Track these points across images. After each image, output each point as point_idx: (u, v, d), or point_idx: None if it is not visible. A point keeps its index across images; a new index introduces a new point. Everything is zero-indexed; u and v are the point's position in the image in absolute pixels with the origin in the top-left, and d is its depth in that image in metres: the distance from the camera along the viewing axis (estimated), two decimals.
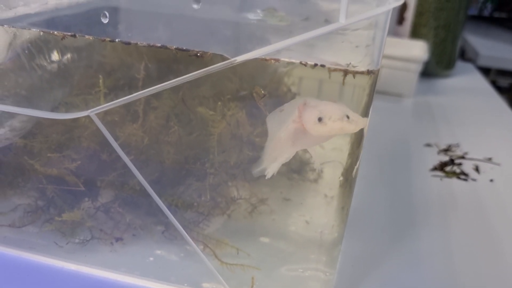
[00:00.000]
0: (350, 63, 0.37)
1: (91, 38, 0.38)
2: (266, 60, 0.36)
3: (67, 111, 0.52)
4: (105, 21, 0.38)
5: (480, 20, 1.80)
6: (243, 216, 0.57)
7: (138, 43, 0.37)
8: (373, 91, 0.38)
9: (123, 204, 0.53)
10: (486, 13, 1.74)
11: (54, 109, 0.52)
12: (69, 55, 0.46)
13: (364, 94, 0.38)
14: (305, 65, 0.38)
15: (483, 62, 1.41)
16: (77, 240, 0.50)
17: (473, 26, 1.73)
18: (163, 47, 0.37)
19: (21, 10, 0.49)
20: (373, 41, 0.38)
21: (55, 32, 0.39)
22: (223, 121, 0.53)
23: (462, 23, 1.15)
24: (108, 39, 0.38)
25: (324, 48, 0.43)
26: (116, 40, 0.38)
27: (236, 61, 0.35)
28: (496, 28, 1.77)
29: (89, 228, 0.51)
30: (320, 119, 0.36)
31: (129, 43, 0.37)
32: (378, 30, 0.36)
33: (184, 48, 0.36)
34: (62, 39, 0.39)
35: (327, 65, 0.37)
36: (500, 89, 1.56)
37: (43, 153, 0.52)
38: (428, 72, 1.15)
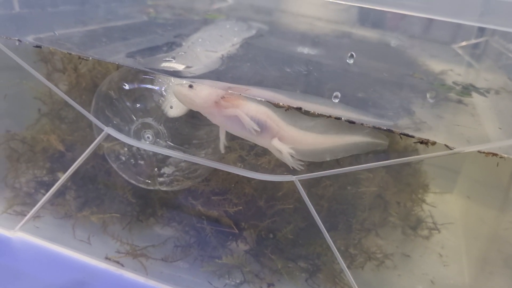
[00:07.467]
0: None
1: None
2: (483, 152, 0.39)
3: None
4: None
5: None
6: (371, 269, 0.60)
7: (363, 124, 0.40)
8: None
9: (274, 250, 0.55)
10: None
11: None
12: None
13: None
14: None
15: None
16: (232, 283, 0.53)
17: None
18: (389, 130, 0.40)
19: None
20: None
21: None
22: (374, 181, 0.56)
23: None
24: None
25: None
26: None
27: (459, 151, 0.38)
28: None
29: (242, 271, 0.53)
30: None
31: (353, 122, 0.41)
32: None
33: (410, 134, 0.39)
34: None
35: None
36: None
37: (205, 194, 0.54)
38: None
